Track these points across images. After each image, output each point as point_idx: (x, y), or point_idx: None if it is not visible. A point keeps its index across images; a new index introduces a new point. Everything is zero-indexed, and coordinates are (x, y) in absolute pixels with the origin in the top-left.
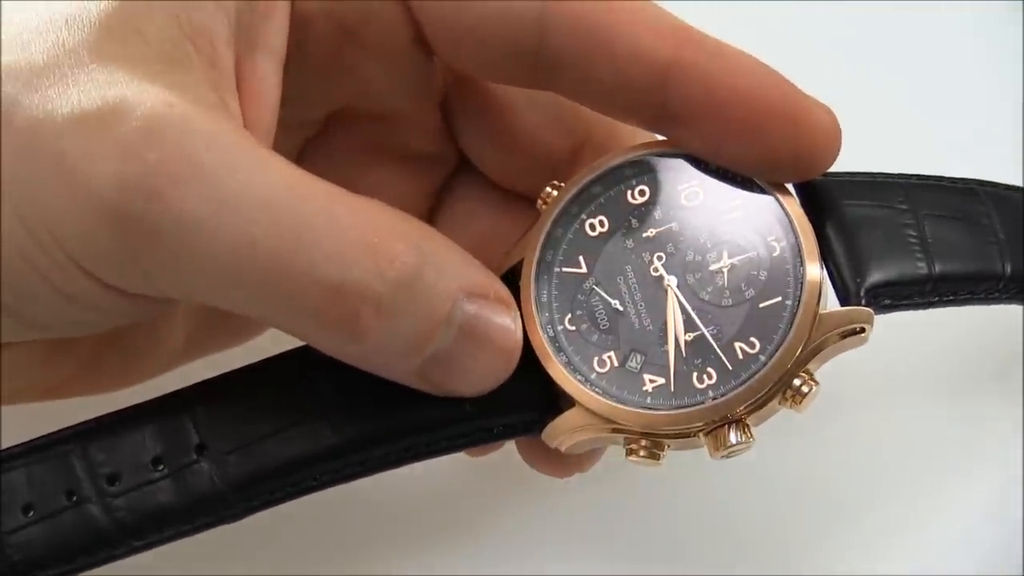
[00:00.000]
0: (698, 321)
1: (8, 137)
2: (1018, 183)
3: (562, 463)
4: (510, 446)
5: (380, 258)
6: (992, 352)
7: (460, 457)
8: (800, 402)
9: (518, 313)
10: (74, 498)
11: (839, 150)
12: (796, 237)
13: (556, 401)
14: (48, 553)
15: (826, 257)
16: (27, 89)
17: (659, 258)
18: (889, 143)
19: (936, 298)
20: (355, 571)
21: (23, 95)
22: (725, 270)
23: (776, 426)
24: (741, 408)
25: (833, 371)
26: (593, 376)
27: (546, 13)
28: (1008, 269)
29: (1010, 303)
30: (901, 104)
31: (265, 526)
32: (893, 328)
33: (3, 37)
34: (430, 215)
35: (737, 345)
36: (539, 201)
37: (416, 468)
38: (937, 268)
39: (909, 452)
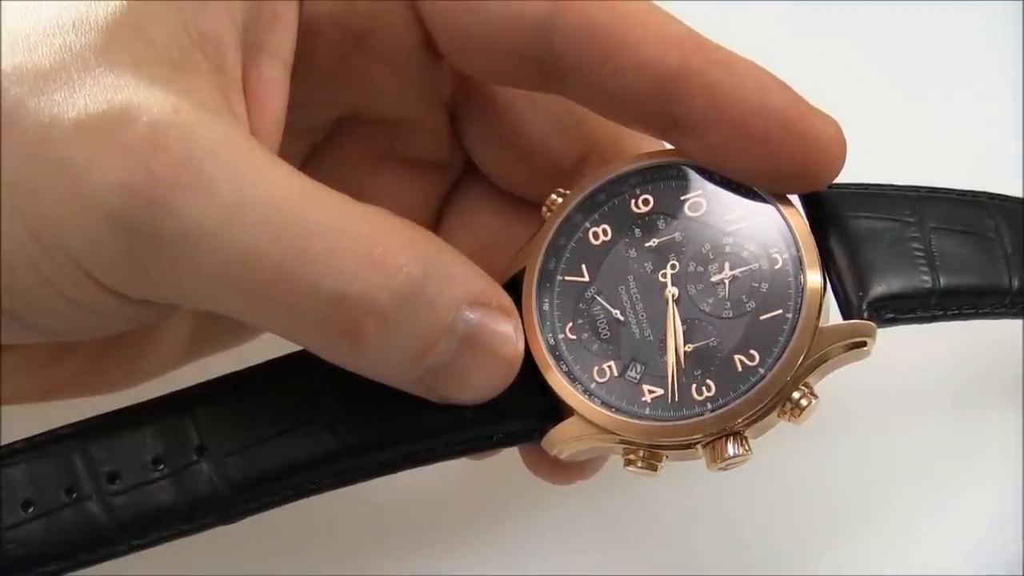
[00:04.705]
0: (698, 332)
1: (14, 141)
2: (1019, 185)
3: (564, 470)
4: (513, 448)
5: (384, 270)
6: (995, 364)
7: (462, 459)
8: (799, 415)
9: (520, 322)
10: (74, 495)
11: (843, 163)
12: (798, 250)
13: (557, 409)
14: (47, 549)
15: (829, 270)
16: (33, 92)
17: (661, 268)
18: (892, 149)
19: (940, 312)
20: (355, 571)
21: (29, 99)
22: (727, 281)
23: (779, 436)
24: (740, 420)
25: (837, 382)
26: (593, 386)
27: (553, 17)
28: (1015, 284)
29: (1016, 318)
30: (903, 108)
31: (265, 525)
32: (897, 340)
33: (10, 39)
34: (436, 219)
35: (737, 357)
36: (544, 208)
37: (417, 469)
38: (942, 282)
39: (911, 463)
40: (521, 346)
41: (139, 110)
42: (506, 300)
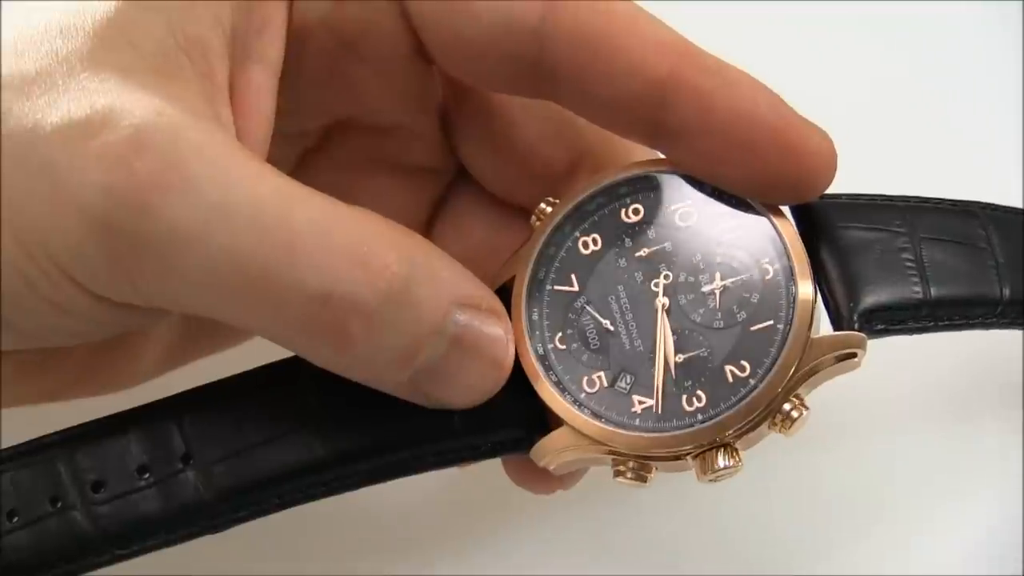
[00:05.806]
0: (689, 343)
1: None
2: (1018, 188)
3: (545, 479)
4: None
5: (370, 269)
6: (994, 372)
7: None
8: (790, 427)
9: (510, 325)
10: (59, 504)
11: (834, 175)
12: (789, 260)
13: (545, 419)
14: (31, 559)
15: (820, 280)
16: (18, 98)
17: (651, 278)
18: (889, 155)
19: (931, 323)
20: (347, 571)
21: (14, 104)
22: (717, 292)
23: (776, 446)
24: (730, 432)
25: (833, 393)
26: (582, 396)
27: (545, 21)
28: (1007, 293)
29: (1008, 328)
30: (903, 113)
31: (258, 527)
32: (893, 351)
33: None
34: (428, 225)
35: (727, 368)
36: (533, 217)
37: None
38: (933, 292)
39: (905, 474)
40: (512, 349)
41: (122, 113)
42: (496, 303)
